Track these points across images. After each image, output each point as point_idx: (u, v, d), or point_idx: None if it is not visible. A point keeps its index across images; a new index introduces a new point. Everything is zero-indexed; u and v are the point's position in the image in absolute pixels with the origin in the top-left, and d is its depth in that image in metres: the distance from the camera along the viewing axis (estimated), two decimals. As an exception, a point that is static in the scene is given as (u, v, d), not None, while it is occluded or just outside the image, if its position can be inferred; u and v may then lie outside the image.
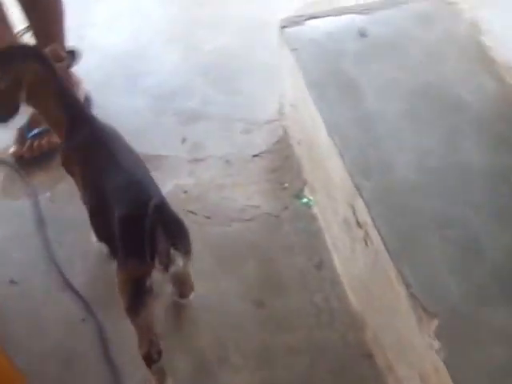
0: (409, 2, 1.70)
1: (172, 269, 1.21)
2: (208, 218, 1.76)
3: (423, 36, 1.64)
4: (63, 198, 1.80)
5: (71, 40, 2.17)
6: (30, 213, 1.77)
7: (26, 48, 1.37)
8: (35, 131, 1.87)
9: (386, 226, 1.29)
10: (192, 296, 1.58)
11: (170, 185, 1.83)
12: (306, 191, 1.79)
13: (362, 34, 1.64)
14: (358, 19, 1.68)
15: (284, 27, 1.68)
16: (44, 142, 1.86)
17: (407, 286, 1.20)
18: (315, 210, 1.75)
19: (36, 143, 1.85)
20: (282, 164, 1.87)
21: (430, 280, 1.21)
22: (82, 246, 1.68)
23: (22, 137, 1.87)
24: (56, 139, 1.86)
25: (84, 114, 1.39)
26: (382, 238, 1.27)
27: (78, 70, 2.02)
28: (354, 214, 1.41)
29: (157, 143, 1.94)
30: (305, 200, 1.79)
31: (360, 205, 1.35)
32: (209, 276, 1.63)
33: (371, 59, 1.59)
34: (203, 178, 1.85)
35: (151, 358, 1.33)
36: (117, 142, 1.36)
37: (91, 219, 1.36)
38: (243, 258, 1.67)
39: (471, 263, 1.22)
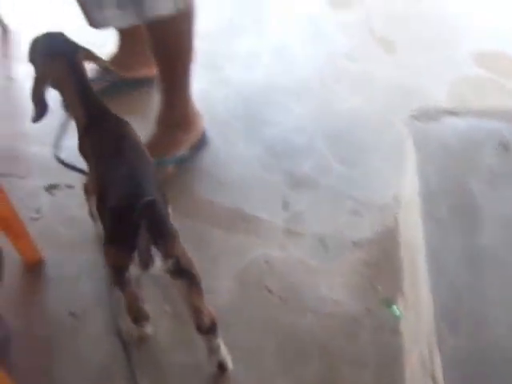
0: None
1: (151, 268, 1.25)
2: (283, 300, 1.61)
3: None
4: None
5: (206, 69, 2.13)
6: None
7: (55, 41, 1.45)
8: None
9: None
10: (231, 366, 1.47)
11: (256, 252, 1.71)
12: (399, 301, 1.58)
13: (505, 147, 1.39)
14: (504, 128, 1.43)
15: (414, 118, 1.48)
16: None
17: None
18: (402, 326, 1.54)
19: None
20: (381, 261, 1.67)
21: None
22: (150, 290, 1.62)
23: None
24: (159, 177, 1.84)
25: (102, 115, 1.46)
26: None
27: (204, 101, 1.97)
28: (432, 364, 1.19)
29: (257, 201, 1.82)
30: (395, 311, 1.57)
31: (437, 361, 1.14)
32: (264, 369, 1.49)
33: (506, 182, 1.34)
34: (292, 254, 1.70)
35: (138, 320, 1.49)
36: (127, 142, 1.43)
37: (97, 203, 1.43)
38: (306, 359, 1.50)
39: None
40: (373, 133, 1.96)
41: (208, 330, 1.41)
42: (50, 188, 1.86)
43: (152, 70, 2.14)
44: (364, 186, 1.83)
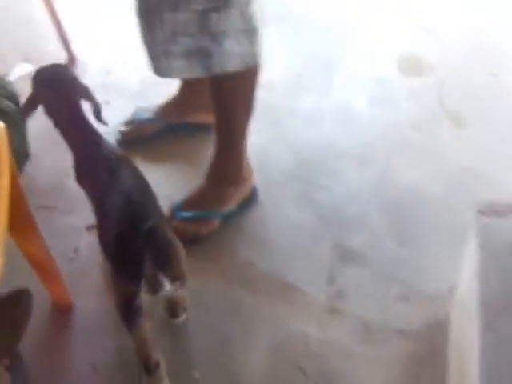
0: None
1: (160, 293, 1.28)
2: (316, 384, 1.51)
3: None
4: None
5: (264, 123, 2.06)
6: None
7: (56, 73, 1.54)
8: (186, 214, 1.76)
9: None
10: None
11: (292, 326, 1.60)
12: (441, 406, 1.45)
13: None
14: None
15: (479, 210, 1.36)
16: (190, 229, 1.73)
17: None
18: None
19: (181, 227, 1.70)
20: (427, 356, 1.53)
21: None
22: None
23: (170, 214, 1.77)
24: (203, 231, 1.77)
25: (97, 143, 1.48)
26: None
27: (258, 156, 1.90)
28: None
29: (300, 271, 1.72)
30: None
31: None
32: None
33: None
34: (331, 335, 1.59)
35: (149, 369, 1.41)
36: (123, 168, 1.44)
37: (97, 231, 1.43)
38: None
39: None
40: (432, 214, 1.84)
41: (177, 316, 1.56)
42: (91, 228, 1.81)
43: (211, 117, 2.11)
44: (417, 271, 1.71)
